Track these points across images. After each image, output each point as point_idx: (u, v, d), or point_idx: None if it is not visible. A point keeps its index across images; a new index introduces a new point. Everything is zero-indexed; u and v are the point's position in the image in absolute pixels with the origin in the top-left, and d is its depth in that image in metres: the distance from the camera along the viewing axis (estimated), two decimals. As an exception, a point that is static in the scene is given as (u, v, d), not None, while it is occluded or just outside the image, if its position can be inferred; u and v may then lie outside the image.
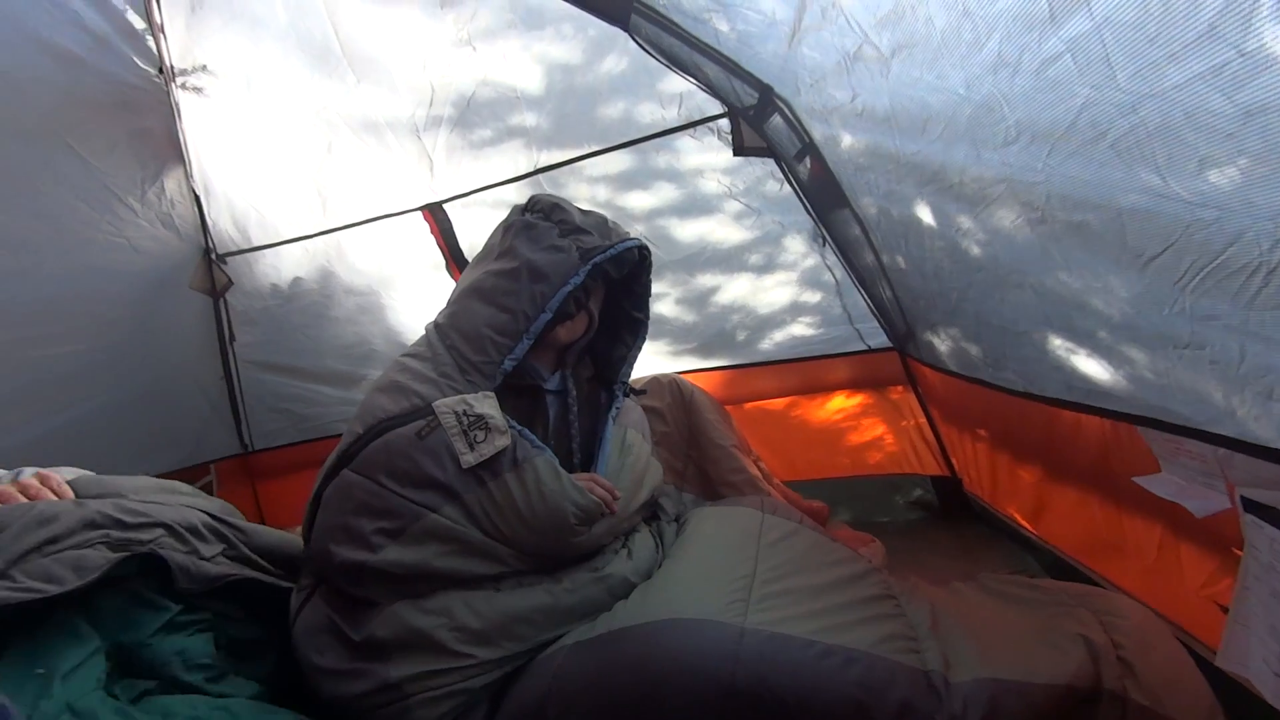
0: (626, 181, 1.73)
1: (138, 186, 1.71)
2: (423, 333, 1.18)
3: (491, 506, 0.96)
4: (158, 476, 1.87)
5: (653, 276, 1.83)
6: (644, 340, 1.36)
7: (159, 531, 0.89)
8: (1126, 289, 0.73)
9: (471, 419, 0.98)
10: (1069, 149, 0.67)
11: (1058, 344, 0.97)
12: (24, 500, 0.82)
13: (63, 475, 0.93)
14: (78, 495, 0.90)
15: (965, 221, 1.13)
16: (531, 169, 1.68)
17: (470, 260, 1.27)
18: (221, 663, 0.86)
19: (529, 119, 1.62)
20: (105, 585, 0.78)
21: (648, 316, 1.36)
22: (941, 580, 1.29)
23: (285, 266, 1.92)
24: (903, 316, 1.82)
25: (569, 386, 1.28)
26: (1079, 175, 0.70)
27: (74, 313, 1.66)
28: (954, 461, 1.92)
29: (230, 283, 1.96)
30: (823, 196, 1.75)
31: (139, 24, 1.60)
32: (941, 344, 1.62)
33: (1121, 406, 0.87)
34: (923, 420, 1.94)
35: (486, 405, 1.02)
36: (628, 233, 1.24)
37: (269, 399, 2.15)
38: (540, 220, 1.18)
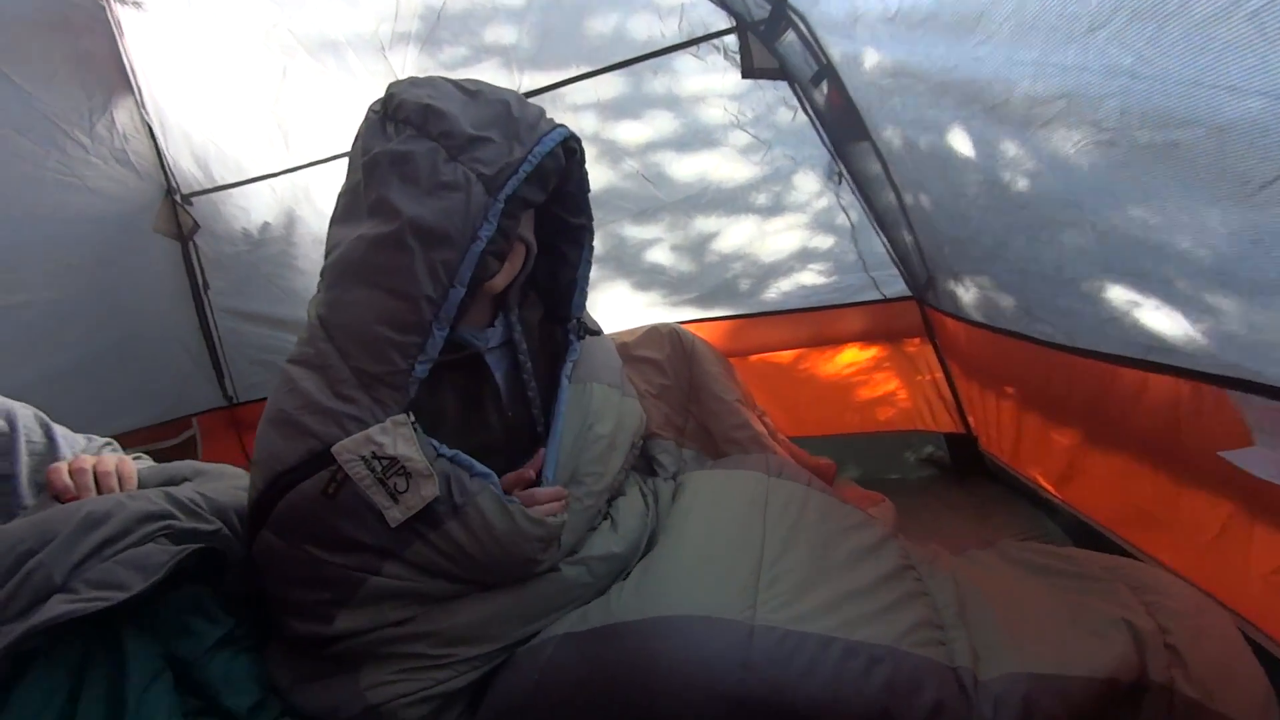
0: (618, 109, 1.55)
1: (85, 119, 1.55)
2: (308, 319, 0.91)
3: (439, 556, 0.82)
4: (137, 431, 1.85)
5: (649, 220, 1.70)
6: (591, 251, 1.09)
7: (218, 523, 0.82)
8: (1225, 224, 0.59)
9: (385, 464, 0.78)
10: (1183, 28, 0.51)
11: (1117, 294, 0.83)
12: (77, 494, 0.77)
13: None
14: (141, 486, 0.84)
15: (1011, 148, 0.96)
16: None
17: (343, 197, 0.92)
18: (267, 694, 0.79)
19: (508, 34, 1.43)
20: (166, 585, 0.71)
21: (590, 219, 1.07)
22: (959, 547, 1.20)
23: (254, 208, 1.77)
24: (923, 263, 1.67)
25: (515, 336, 1.03)
26: (1180, 74, 0.54)
27: (26, 259, 1.54)
28: (970, 419, 1.82)
29: (197, 225, 1.82)
30: (840, 127, 1.57)
31: (68, -72, 1.40)
32: (966, 293, 1.48)
33: (1202, 366, 0.74)
34: (939, 375, 1.82)
35: (401, 443, 0.79)
36: (541, 113, 0.90)
37: (249, 350, 2.04)
38: (412, 141, 0.82)
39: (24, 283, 1.54)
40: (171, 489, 0.83)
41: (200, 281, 1.92)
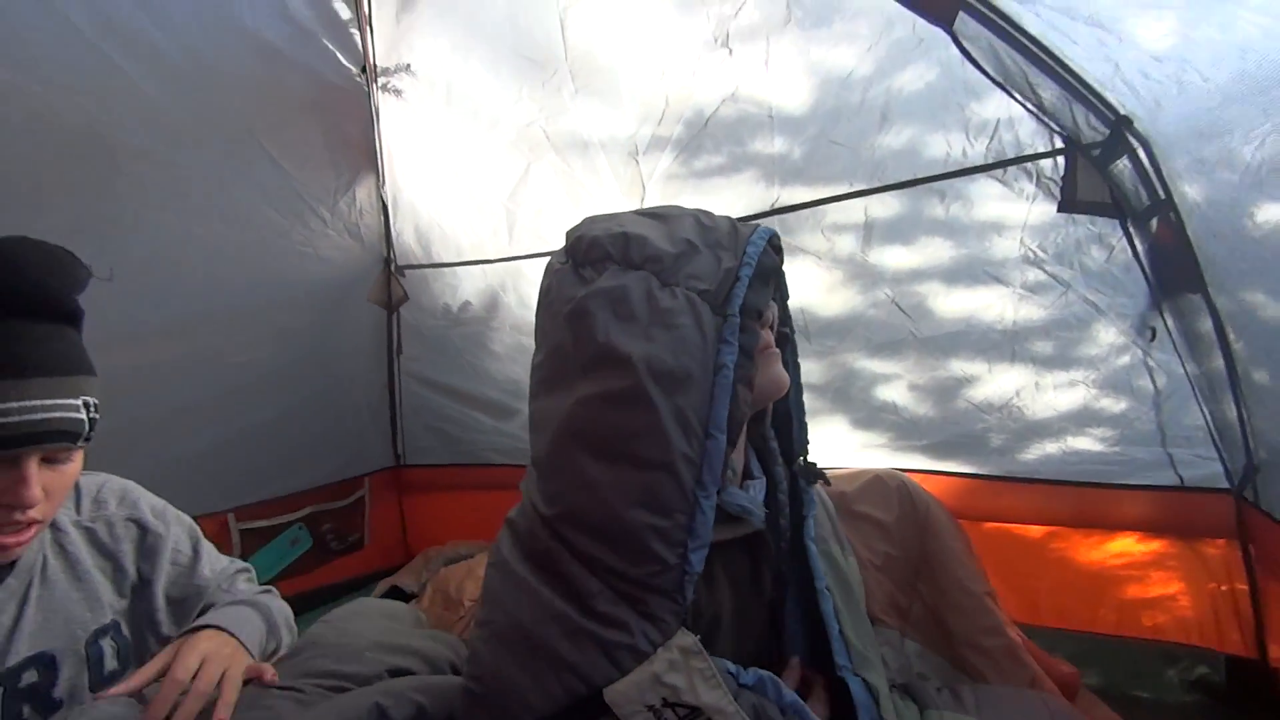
0: (882, 232, 1.34)
1: (330, 196, 1.60)
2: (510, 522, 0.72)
3: None
4: (313, 490, 1.87)
5: (891, 355, 1.45)
6: (799, 370, 0.85)
7: None
8: None
9: (681, 714, 0.58)
10: None
11: None
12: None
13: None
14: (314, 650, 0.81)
15: None
16: (766, 208, 1.34)
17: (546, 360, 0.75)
18: None
19: (777, 144, 1.27)
20: None
21: (793, 329, 0.85)
22: None
23: (462, 287, 1.76)
24: (1247, 449, 1.30)
25: (780, 491, 0.81)
26: None
27: (259, 323, 1.60)
28: (1272, 648, 1.39)
29: (406, 296, 1.84)
30: (1164, 274, 1.27)
31: (345, 14, 1.44)
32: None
33: None
34: (1242, 586, 1.42)
35: (701, 684, 0.59)
36: (730, 220, 0.74)
37: (426, 415, 2.05)
38: (619, 275, 0.67)
39: (253, 343, 1.60)
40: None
41: (396, 346, 1.94)
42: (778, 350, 0.76)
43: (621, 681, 0.59)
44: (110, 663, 0.79)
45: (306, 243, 1.57)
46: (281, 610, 0.93)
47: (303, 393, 1.76)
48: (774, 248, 0.75)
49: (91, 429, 0.71)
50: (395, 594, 1.86)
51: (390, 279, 1.80)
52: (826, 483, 0.91)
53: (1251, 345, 1.20)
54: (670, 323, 0.65)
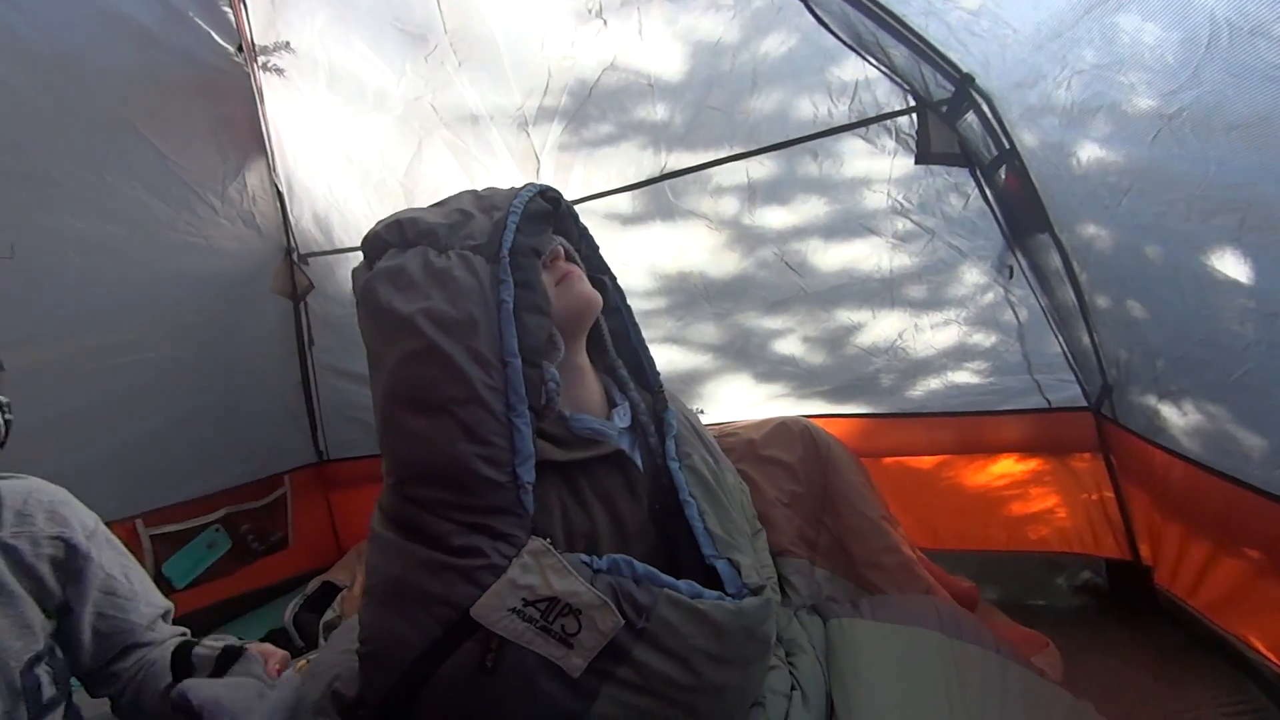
0: (763, 192, 1.41)
1: (218, 182, 1.54)
2: None
3: (641, 695, 0.66)
4: (228, 490, 1.81)
5: (782, 310, 1.54)
6: (631, 313, 0.96)
7: None
8: None
9: (543, 607, 0.64)
10: None
11: None
12: None
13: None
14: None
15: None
16: (656, 173, 1.39)
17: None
18: None
19: (660, 112, 1.32)
20: None
21: (613, 276, 0.95)
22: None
23: (367, 272, 1.72)
24: (1101, 371, 1.45)
25: (641, 412, 0.88)
26: None
27: (149, 319, 1.53)
28: (1142, 547, 1.56)
29: (311, 285, 1.79)
30: (1013, 217, 1.40)
31: (217, -8, 1.40)
32: (1182, 417, 1.25)
33: None
34: (1109, 494, 1.58)
35: (553, 576, 0.65)
36: (515, 189, 0.82)
37: (345, 407, 2.00)
38: (397, 256, 0.76)
39: (140, 341, 1.52)
40: None
41: (306, 338, 1.89)
42: (579, 271, 0.85)
43: (484, 595, 0.64)
44: (48, 690, 0.73)
45: (196, 232, 1.52)
46: None
47: (208, 391, 1.69)
48: (548, 199, 0.85)
49: (7, 432, 0.66)
50: (328, 590, 1.83)
51: (293, 268, 1.75)
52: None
53: (1092, 274, 1.33)
54: (445, 279, 0.72)
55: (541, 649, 0.63)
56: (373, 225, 0.82)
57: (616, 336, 0.96)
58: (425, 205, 0.85)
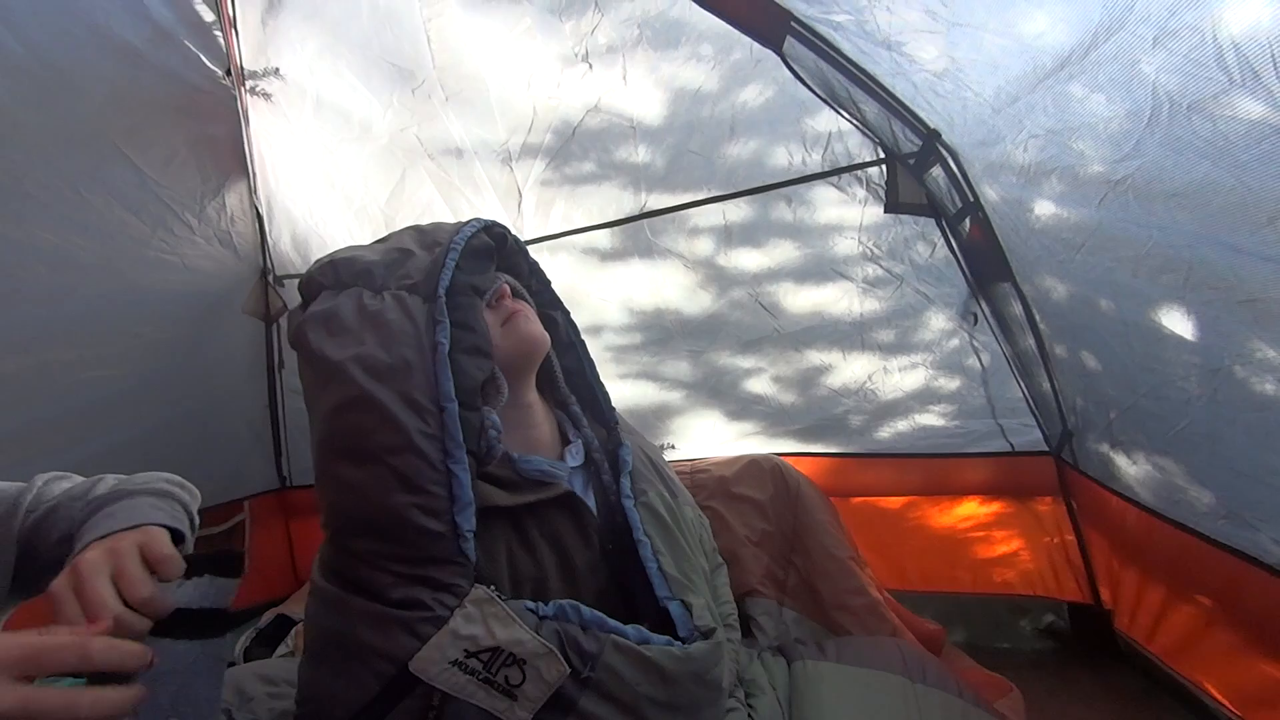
0: (738, 235, 1.45)
1: (196, 201, 1.53)
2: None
3: None
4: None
5: (753, 350, 1.57)
6: (585, 347, 0.95)
7: None
8: None
9: (485, 659, 0.62)
10: None
11: None
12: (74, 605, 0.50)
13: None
14: None
15: (1267, 351, 0.81)
16: (635, 212, 1.43)
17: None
18: None
19: (640, 154, 1.37)
20: None
21: (566, 311, 0.94)
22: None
23: (344, 296, 1.71)
24: (1061, 415, 1.50)
25: (594, 450, 0.86)
26: None
27: (117, 335, 1.49)
28: (1104, 591, 1.58)
29: (285, 307, 1.77)
30: (977, 266, 1.45)
31: (208, 16, 1.41)
32: (1133, 466, 1.29)
33: None
34: (1070, 538, 1.61)
35: (496, 625, 0.63)
36: (460, 224, 0.81)
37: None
38: (331, 298, 0.74)
39: (108, 357, 1.49)
40: None
41: (277, 360, 1.87)
42: (526, 309, 0.84)
43: (424, 648, 0.62)
44: None
45: (171, 250, 1.50)
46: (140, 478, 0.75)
47: (170, 410, 1.64)
48: (493, 235, 0.84)
49: None
50: (282, 623, 1.76)
51: (268, 289, 1.73)
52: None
53: (1050, 324, 1.39)
54: (378, 323, 0.71)
55: (484, 702, 0.61)
56: (301, 280, 0.80)
57: (571, 373, 0.95)
58: (369, 242, 0.83)
